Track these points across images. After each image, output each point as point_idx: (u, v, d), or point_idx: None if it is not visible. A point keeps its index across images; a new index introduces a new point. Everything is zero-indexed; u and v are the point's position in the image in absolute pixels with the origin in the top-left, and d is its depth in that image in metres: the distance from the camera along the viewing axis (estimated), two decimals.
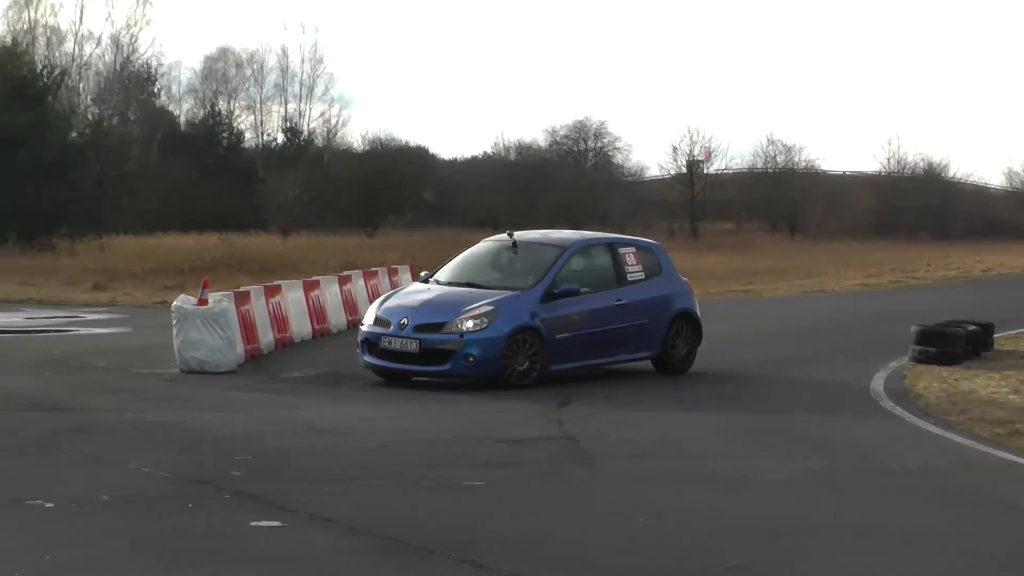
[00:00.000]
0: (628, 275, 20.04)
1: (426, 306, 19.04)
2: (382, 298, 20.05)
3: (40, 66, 75.27)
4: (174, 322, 19.88)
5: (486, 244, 20.76)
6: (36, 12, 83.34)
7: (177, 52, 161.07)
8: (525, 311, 18.96)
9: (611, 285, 19.89)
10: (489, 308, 18.78)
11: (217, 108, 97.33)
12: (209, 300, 19.98)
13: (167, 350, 20.29)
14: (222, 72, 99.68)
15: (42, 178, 65.03)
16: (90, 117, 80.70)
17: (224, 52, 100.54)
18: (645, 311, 19.94)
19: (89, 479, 11.50)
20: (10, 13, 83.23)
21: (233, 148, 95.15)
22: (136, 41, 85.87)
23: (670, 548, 9.60)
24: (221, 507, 10.47)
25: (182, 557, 8.82)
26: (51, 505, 10.27)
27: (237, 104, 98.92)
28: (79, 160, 69.85)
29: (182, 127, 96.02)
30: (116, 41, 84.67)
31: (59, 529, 9.55)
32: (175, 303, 20.32)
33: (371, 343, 18.84)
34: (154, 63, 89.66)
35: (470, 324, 18.59)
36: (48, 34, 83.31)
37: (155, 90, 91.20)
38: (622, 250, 20.32)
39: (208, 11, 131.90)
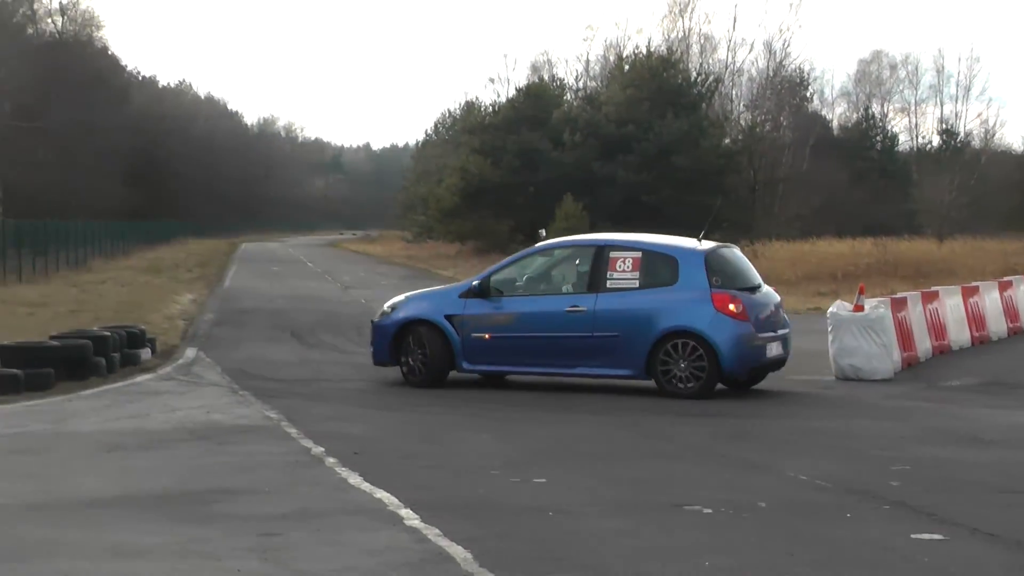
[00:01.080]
0: (608, 282, 18.15)
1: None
2: None
3: (694, 74, 77.29)
4: (829, 328, 19.94)
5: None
6: (690, 20, 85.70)
7: (829, 56, 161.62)
8: (432, 306, 19.06)
9: (579, 291, 18.39)
10: (400, 299, 19.67)
11: (870, 111, 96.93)
12: (865, 306, 19.88)
13: (822, 357, 20.33)
14: (875, 75, 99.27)
15: (696, 185, 66.78)
16: (743, 123, 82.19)
17: (878, 55, 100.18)
18: (616, 323, 17.97)
19: (746, 485, 11.62)
20: (665, 22, 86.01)
21: (887, 151, 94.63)
22: (788, 46, 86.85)
23: None
24: (879, 517, 10.31)
25: (841, 567, 8.74)
26: (709, 511, 10.43)
27: (891, 106, 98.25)
28: (732, 166, 71.25)
29: (834, 131, 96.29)
30: (769, 47, 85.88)
31: (717, 534, 9.68)
32: (830, 309, 20.36)
33: None
34: (806, 67, 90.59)
35: (381, 312, 19.75)
36: (702, 42, 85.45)
37: (807, 94, 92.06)
38: (615, 255, 18.30)
39: (860, 13, 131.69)
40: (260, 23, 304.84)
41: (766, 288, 19.07)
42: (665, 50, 77.52)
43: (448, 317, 18.77)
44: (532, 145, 71.75)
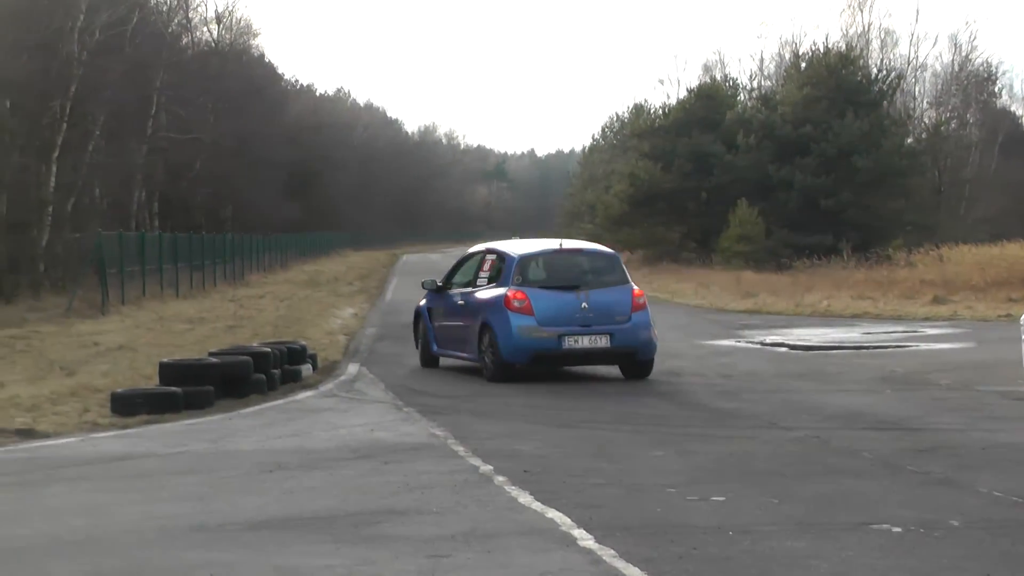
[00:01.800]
0: (478, 280, 22.49)
1: None
2: None
3: (875, 70, 76.37)
4: (1022, 337, 19.56)
5: None
6: (870, 14, 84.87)
7: (1019, 48, 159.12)
8: (426, 299, 24.18)
9: (469, 288, 22.62)
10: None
11: None
12: None
13: (1014, 366, 19.97)
14: None
15: (877, 186, 65.91)
16: (927, 121, 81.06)
17: None
18: (469, 315, 22.18)
19: (937, 503, 11.42)
20: (843, 17, 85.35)
21: None
22: (974, 39, 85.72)
23: None
24: None
25: None
26: (898, 529, 10.26)
27: None
28: (916, 167, 70.19)
29: None
30: (954, 40, 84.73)
31: (909, 555, 9.51)
32: (1023, 316, 19.97)
33: None
34: (994, 61, 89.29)
35: None
36: (882, 36, 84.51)
37: (996, 90, 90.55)
38: (487, 257, 22.76)
39: None
40: (420, 29, 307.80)
41: (616, 289, 21.53)
42: (844, 46, 76.63)
43: (428, 309, 23.79)
44: (704, 148, 71.42)
